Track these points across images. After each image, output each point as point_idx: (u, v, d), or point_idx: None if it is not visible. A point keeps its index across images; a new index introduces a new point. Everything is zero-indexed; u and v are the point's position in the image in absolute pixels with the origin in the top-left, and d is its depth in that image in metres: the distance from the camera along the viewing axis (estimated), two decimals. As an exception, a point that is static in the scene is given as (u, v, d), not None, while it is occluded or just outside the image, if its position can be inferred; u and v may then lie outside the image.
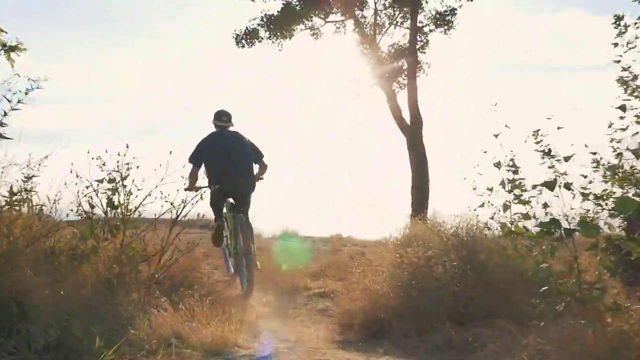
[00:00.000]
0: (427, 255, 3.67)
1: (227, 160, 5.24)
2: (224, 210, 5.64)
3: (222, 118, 5.52)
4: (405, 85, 7.20)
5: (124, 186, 4.26)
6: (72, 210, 4.14)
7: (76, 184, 4.14)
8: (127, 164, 4.26)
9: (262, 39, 11.19)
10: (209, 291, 4.27)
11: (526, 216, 4.63)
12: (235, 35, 11.87)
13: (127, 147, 4.19)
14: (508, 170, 4.48)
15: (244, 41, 11.25)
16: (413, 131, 6.25)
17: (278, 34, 10.45)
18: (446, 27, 9.48)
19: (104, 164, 4.22)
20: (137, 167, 4.29)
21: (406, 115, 7.19)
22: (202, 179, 5.38)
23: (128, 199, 4.13)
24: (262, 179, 5.81)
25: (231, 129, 5.54)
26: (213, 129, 5.55)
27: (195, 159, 5.39)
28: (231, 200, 5.49)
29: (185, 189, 4.95)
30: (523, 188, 4.67)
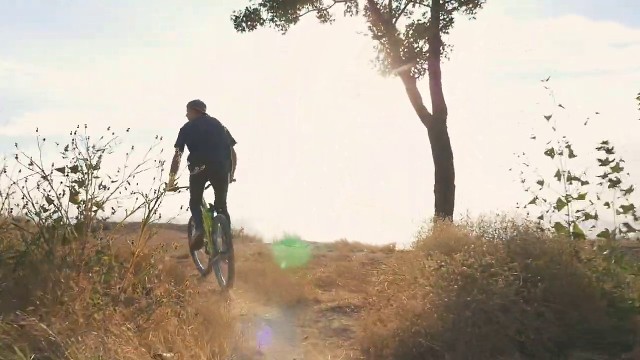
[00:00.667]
0: (484, 263, 2.75)
1: (209, 143, 5.37)
2: (201, 200, 5.65)
3: (199, 107, 5.71)
4: (425, 71, 6.20)
5: (94, 177, 3.31)
6: (18, 205, 3.21)
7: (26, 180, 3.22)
8: (100, 150, 3.32)
9: (264, 21, 10.08)
10: (198, 309, 3.35)
11: (587, 215, 3.75)
12: (234, 18, 10.70)
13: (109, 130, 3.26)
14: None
15: (244, 24, 10.19)
16: (436, 121, 5.31)
17: (282, 15, 9.29)
18: (471, 6, 8.37)
19: (67, 149, 3.29)
20: (110, 151, 3.36)
21: (427, 104, 6.29)
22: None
23: (92, 195, 3.19)
24: (234, 180, 5.87)
25: (209, 116, 5.72)
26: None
27: (181, 144, 5.43)
28: (210, 202, 5.62)
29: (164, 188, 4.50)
30: (584, 181, 3.78)
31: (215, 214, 5.46)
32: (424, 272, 3.23)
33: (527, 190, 3.84)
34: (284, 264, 7.10)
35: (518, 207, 3.61)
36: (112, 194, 3.17)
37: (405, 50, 5.94)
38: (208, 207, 5.56)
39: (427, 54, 5.93)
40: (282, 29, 9.61)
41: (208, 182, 5.53)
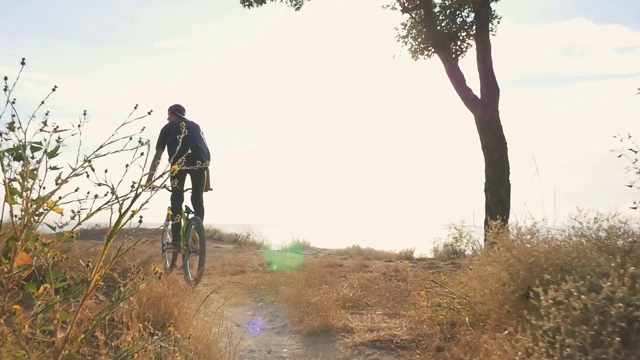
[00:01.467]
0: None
1: (186, 139, 4.91)
2: (182, 196, 5.91)
3: (178, 111, 6.16)
4: (467, 47, 5.12)
5: (51, 168, 2.31)
6: None
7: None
8: (60, 130, 2.32)
9: (275, -8, 8.47)
10: (194, 351, 2.35)
11: None
12: (240, -11, 9.36)
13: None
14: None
15: (251, -3, 9.07)
16: (487, 106, 4.33)
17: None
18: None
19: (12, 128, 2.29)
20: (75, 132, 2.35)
21: (472, 86, 5.23)
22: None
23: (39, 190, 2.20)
24: (211, 189, 6.22)
25: (188, 119, 6.11)
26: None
27: (162, 142, 5.74)
28: (188, 206, 5.96)
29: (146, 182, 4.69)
30: None
31: (190, 215, 5.92)
32: (526, 305, 2.22)
33: (630, 186, 2.83)
34: (296, 274, 6.12)
35: (635, 208, 2.60)
36: (55, 191, 2.15)
37: (445, 23, 4.85)
38: (184, 208, 5.95)
39: (474, 26, 4.85)
40: (295, 4, 8.39)
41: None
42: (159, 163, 5.47)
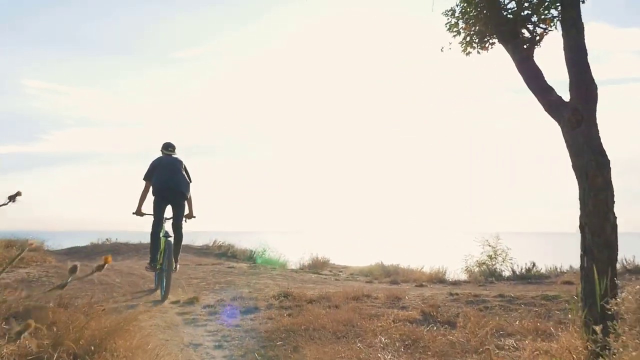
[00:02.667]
0: None
1: (169, 173, 6.53)
2: (162, 221, 6.58)
3: (168, 148, 6.86)
4: (546, 33, 3.83)
5: None
6: None
7: None
8: None
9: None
10: None
11: None
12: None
13: None
14: None
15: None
16: (580, 111, 3.20)
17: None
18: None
19: None
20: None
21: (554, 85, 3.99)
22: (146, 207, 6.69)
23: None
24: (194, 217, 6.89)
25: (174, 155, 6.84)
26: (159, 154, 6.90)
27: (150, 174, 6.61)
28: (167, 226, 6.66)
29: (134, 213, 6.61)
30: None
31: (167, 238, 6.55)
32: None
33: None
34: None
35: None
36: None
37: (514, 2, 3.70)
38: (164, 232, 6.62)
39: (557, 4, 3.66)
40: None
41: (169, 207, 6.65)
42: (147, 194, 6.62)
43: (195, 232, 15.63)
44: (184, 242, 6.84)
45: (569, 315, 5.28)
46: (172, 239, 6.52)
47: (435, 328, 4.90)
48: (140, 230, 8.34)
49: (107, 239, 15.21)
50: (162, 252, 6.49)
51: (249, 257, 13.03)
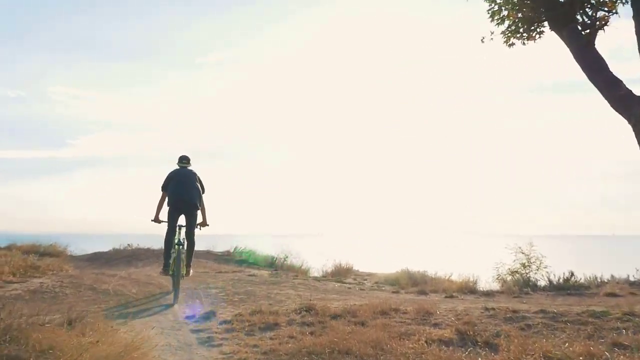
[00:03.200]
0: None
1: (184, 185, 6.93)
2: (175, 230, 6.92)
3: (183, 161, 7.25)
4: (609, 16, 3.35)
5: None
6: None
7: None
8: None
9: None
10: None
11: None
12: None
13: None
14: None
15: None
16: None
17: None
18: None
19: None
20: None
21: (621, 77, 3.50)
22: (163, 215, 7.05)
23: None
24: (207, 225, 7.25)
25: (189, 167, 7.24)
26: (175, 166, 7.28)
27: (166, 185, 7.03)
28: (182, 234, 6.95)
29: (152, 220, 7.01)
30: None
31: (179, 246, 6.79)
32: None
33: None
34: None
35: None
36: None
37: None
38: (177, 240, 6.83)
39: None
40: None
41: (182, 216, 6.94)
42: (163, 203, 6.99)
43: (215, 235, 15.38)
44: (204, 248, 8.78)
45: (627, 336, 4.71)
46: (182, 247, 6.89)
47: (474, 352, 4.38)
48: (162, 233, 8.20)
49: (128, 245, 15.02)
50: (174, 258, 6.79)
51: (270, 263, 12.64)
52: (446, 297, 8.40)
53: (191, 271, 7.20)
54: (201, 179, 7.21)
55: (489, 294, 8.76)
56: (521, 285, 9.27)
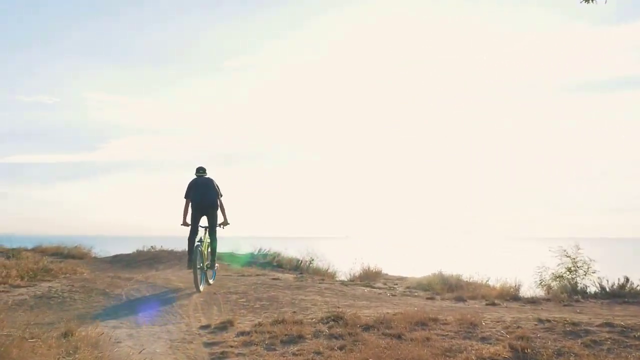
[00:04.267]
0: None
1: (203, 191, 7.75)
2: (197, 230, 7.75)
3: (199, 171, 7.98)
4: None
5: None
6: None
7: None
8: None
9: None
10: None
11: None
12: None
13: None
14: None
15: None
16: None
17: None
18: None
19: None
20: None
21: None
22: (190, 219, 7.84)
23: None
24: (228, 224, 8.03)
25: (206, 176, 7.99)
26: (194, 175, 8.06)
27: (188, 193, 7.82)
28: (204, 234, 7.79)
29: (181, 224, 7.78)
30: None
31: (201, 244, 7.50)
32: None
33: None
34: None
35: None
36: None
37: None
38: (199, 239, 7.53)
39: None
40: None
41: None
42: (188, 208, 7.73)
43: (239, 237, 14.83)
44: (227, 250, 9.29)
45: None
46: (202, 244, 7.50)
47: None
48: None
49: (152, 247, 14.57)
50: (195, 254, 7.32)
51: (296, 266, 11.96)
52: (487, 304, 7.56)
53: (217, 265, 8.20)
54: (218, 184, 7.98)
55: (534, 301, 7.88)
56: (569, 292, 8.34)
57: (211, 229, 7.84)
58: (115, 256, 13.71)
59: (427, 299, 8.14)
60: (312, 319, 5.58)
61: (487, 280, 10.31)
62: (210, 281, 7.87)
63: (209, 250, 7.83)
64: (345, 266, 12.52)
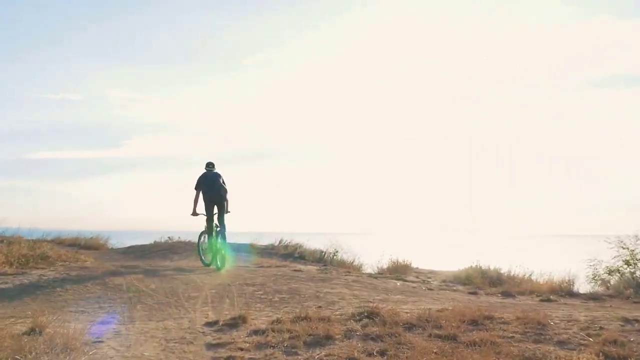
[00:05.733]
0: None
1: (213, 184, 8.24)
2: (212, 219, 8.37)
3: (209, 166, 8.50)
4: None
5: None
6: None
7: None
8: None
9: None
10: None
11: None
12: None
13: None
14: None
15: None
16: None
17: None
18: None
19: None
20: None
21: None
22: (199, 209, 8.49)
23: None
24: (229, 211, 8.50)
25: (214, 171, 8.51)
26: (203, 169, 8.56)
27: (198, 186, 8.33)
28: (215, 222, 8.43)
29: (191, 214, 8.42)
30: None
31: (217, 229, 8.39)
32: None
33: None
34: None
35: None
36: None
37: None
38: (214, 224, 8.38)
39: None
40: None
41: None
42: (197, 199, 8.32)
43: (259, 232, 13.94)
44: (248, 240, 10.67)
45: None
46: (217, 228, 8.33)
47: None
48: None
49: (169, 237, 13.75)
50: (208, 237, 8.32)
51: (319, 258, 10.97)
52: (541, 300, 6.46)
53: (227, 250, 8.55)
54: (224, 178, 8.55)
55: (596, 297, 6.73)
56: (634, 287, 7.15)
57: (221, 216, 8.45)
58: (130, 247, 12.93)
59: (470, 293, 7.06)
60: (341, 314, 4.58)
61: (530, 274, 9.18)
62: (220, 264, 8.12)
63: (218, 230, 8.44)
64: (369, 260, 11.50)
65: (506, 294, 6.92)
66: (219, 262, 8.06)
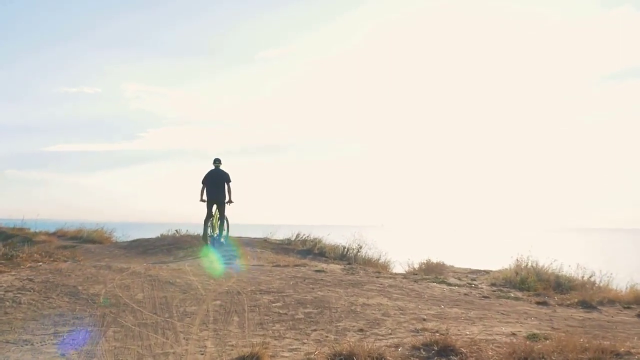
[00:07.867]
0: None
1: (215, 184, 9.01)
2: (212, 214, 9.08)
3: (216, 162, 9.25)
4: None
5: None
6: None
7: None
8: None
9: None
10: None
11: None
12: None
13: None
14: None
15: None
16: None
17: None
18: None
19: None
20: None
21: None
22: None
23: None
24: (232, 202, 9.20)
25: (220, 167, 9.17)
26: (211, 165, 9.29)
27: (205, 180, 9.06)
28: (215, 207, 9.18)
29: (200, 200, 9.04)
30: None
31: (217, 221, 9.21)
32: None
33: None
34: None
35: None
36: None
37: None
38: (213, 213, 9.08)
39: None
40: None
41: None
42: (204, 190, 9.05)
43: (273, 225, 12.53)
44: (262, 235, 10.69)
45: None
46: (213, 219, 9.11)
47: None
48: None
49: (176, 231, 12.39)
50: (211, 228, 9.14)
51: (342, 255, 9.50)
52: (638, 315, 4.92)
53: (227, 228, 9.46)
54: (229, 174, 9.19)
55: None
56: None
57: (221, 214, 9.19)
58: (134, 241, 11.59)
59: (538, 304, 5.52)
60: (396, 346, 3.12)
61: (591, 277, 7.62)
62: (222, 240, 9.20)
63: (219, 223, 9.22)
64: (394, 255, 10.04)
65: (586, 305, 5.40)
66: (217, 231, 9.18)
